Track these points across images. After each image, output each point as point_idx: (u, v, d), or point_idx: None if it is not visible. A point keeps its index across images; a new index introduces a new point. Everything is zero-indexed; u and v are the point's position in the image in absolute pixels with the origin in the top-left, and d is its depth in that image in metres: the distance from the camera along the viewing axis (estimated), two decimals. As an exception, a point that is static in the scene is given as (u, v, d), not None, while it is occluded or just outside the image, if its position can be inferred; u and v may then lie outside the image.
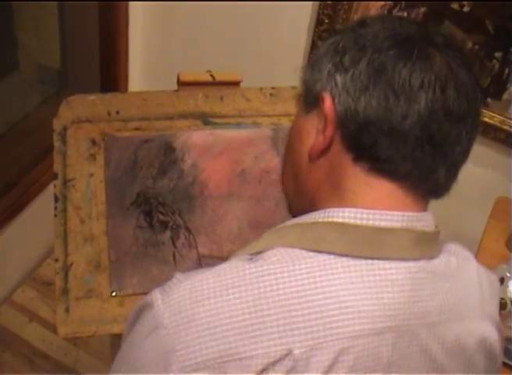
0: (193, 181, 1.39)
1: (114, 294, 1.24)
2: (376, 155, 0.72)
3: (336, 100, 0.73)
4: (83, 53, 2.30)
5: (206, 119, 1.47)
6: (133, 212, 1.33)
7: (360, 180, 0.74)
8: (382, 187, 0.74)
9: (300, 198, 0.85)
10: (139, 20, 2.14)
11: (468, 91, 0.72)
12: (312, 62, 0.80)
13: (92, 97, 1.45)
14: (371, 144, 0.72)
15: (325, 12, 1.85)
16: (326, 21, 1.86)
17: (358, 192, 0.74)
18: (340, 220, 0.72)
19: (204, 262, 1.32)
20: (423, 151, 0.71)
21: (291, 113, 1.52)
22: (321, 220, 0.74)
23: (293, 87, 1.56)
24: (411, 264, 0.72)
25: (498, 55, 1.74)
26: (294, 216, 0.84)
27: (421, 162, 0.72)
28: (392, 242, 0.71)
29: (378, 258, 0.71)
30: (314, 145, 0.77)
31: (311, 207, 0.79)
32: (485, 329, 0.80)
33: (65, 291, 1.22)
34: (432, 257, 0.75)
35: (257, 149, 1.46)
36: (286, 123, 1.52)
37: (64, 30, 2.24)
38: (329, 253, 0.71)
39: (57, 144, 1.36)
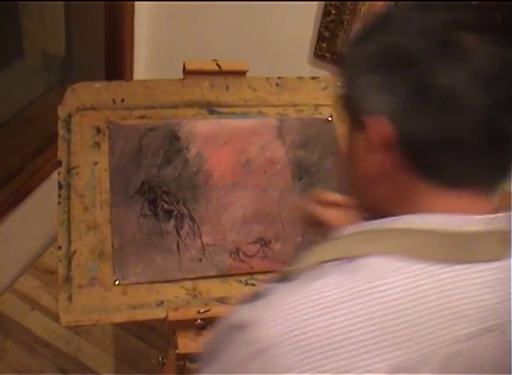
0: (198, 170, 1.39)
1: (117, 282, 1.24)
2: (441, 172, 0.71)
3: (388, 122, 0.70)
4: (88, 41, 2.29)
5: (211, 109, 1.47)
6: (138, 200, 1.33)
7: (431, 194, 0.72)
8: (455, 196, 0.72)
9: (370, 210, 0.81)
10: (145, 8, 2.13)
11: None
12: (349, 73, 0.76)
13: (97, 84, 1.45)
14: (433, 164, 0.70)
15: (332, 2, 1.84)
16: (333, 12, 1.85)
17: (433, 203, 0.72)
18: (435, 227, 0.71)
19: (208, 251, 1.31)
20: (488, 155, 0.69)
21: (297, 103, 1.52)
22: (416, 227, 0.71)
23: (299, 78, 1.56)
24: (498, 264, 0.72)
25: (506, 48, 1.73)
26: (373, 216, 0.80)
27: (489, 166, 0.70)
28: (483, 245, 0.71)
29: (472, 262, 0.70)
30: (373, 166, 0.74)
31: (388, 213, 0.75)
32: None
33: (68, 279, 1.22)
34: (509, 255, 0.74)
35: (262, 139, 1.46)
36: (291, 113, 1.51)
37: (69, 18, 2.23)
38: (427, 260, 0.69)
39: (61, 131, 1.36)
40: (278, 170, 1.43)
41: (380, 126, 0.70)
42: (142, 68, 2.29)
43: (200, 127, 1.43)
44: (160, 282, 1.26)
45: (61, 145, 1.34)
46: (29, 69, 2.34)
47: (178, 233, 1.32)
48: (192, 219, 1.34)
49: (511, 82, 0.67)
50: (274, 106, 1.51)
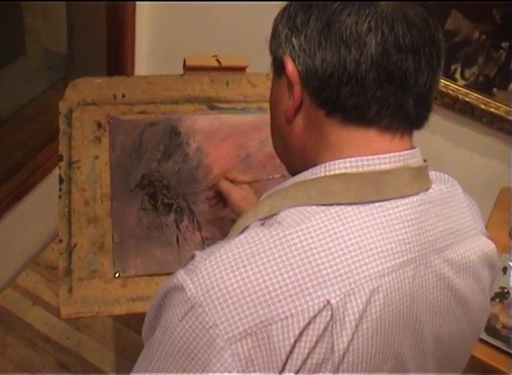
0: (198, 165, 1.40)
1: (117, 275, 1.25)
2: (343, 105, 0.75)
3: (296, 61, 0.76)
4: (89, 38, 2.30)
5: (211, 104, 1.47)
6: (138, 194, 1.34)
7: (339, 133, 0.77)
8: (363, 135, 0.76)
9: (291, 159, 0.87)
10: (146, 5, 2.13)
11: (418, 23, 0.74)
12: (272, 29, 0.83)
13: (98, 80, 1.45)
14: (335, 96, 0.75)
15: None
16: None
17: (343, 144, 0.77)
18: (343, 171, 0.75)
19: (208, 245, 1.31)
20: (384, 90, 0.74)
21: None
22: (323, 175, 0.76)
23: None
24: (413, 199, 0.76)
25: (505, 45, 1.73)
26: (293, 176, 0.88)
27: (385, 101, 0.74)
28: (394, 182, 0.75)
29: (384, 200, 0.75)
30: (287, 107, 0.80)
31: (304, 163, 0.81)
32: (483, 243, 0.86)
33: (69, 272, 1.23)
34: (427, 188, 0.80)
35: (262, 134, 1.47)
36: None
37: (71, 15, 2.23)
38: (339, 204, 0.74)
39: (62, 126, 1.37)
40: (278, 165, 1.41)
41: (288, 65, 0.76)
42: (143, 64, 2.30)
43: (200, 122, 1.43)
44: (159, 275, 1.27)
45: (62, 140, 1.35)
46: (31, 67, 2.35)
47: (177, 226, 1.33)
48: (191, 212, 1.35)
49: (409, 31, 0.73)
50: (274, 102, 1.51)
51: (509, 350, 1.44)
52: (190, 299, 0.68)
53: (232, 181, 1.25)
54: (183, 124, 1.42)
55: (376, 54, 0.72)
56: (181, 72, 1.49)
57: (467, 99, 1.83)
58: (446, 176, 0.88)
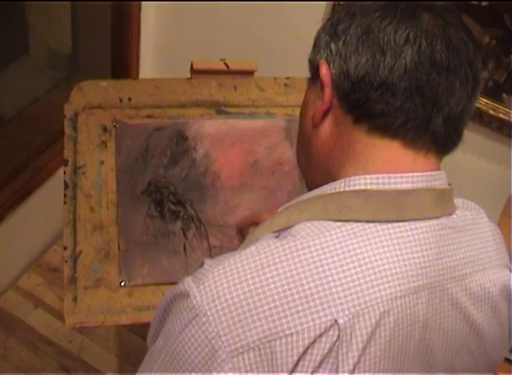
0: (205, 171, 1.37)
1: (123, 284, 1.22)
2: (370, 111, 0.74)
3: (331, 65, 0.76)
4: (94, 38, 2.27)
5: (219, 108, 1.44)
6: (144, 201, 1.31)
7: (365, 142, 0.76)
8: (388, 147, 0.75)
9: (313, 168, 0.85)
10: (151, 5, 2.10)
11: (458, 44, 0.74)
12: (314, 40, 0.83)
13: (104, 83, 1.42)
14: (364, 100, 0.74)
15: (341, 2, 1.82)
16: (341, 11, 1.82)
17: (368, 155, 0.75)
18: (362, 187, 0.73)
19: (215, 253, 1.29)
20: (413, 101, 0.72)
21: None
22: (342, 190, 0.75)
23: (308, 78, 1.53)
24: (434, 222, 0.74)
25: (515, 50, 1.70)
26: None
27: (412, 112, 0.73)
28: (415, 203, 0.73)
29: (403, 220, 0.72)
30: (316, 110, 0.79)
31: (326, 176, 0.80)
32: (504, 276, 0.83)
33: (74, 280, 1.20)
34: (450, 213, 0.77)
35: (270, 140, 1.44)
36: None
37: (75, 15, 2.21)
38: (356, 221, 0.72)
39: (68, 130, 1.34)
40: (286, 172, 1.41)
41: (323, 68, 0.76)
42: (148, 66, 2.27)
43: (207, 127, 1.40)
44: (166, 284, 1.24)
45: (67, 144, 1.32)
46: (35, 66, 2.32)
47: (185, 234, 1.30)
48: (199, 220, 1.32)
49: (447, 50, 0.73)
50: (282, 107, 1.48)
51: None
52: (195, 307, 0.67)
53: None
54: (190, 129, 1.39)
55: (410, 63, 0.72)
56: (187, 75, 1.47)
57: (476, 105, 1.80)
58: (473, 204, 0.86)
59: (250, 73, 1.49)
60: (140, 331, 1.97)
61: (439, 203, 0.75)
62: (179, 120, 1.40)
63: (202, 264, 0.72)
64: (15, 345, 1.91)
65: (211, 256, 1.29)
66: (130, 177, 1.32)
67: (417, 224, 0.73)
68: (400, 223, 0.72)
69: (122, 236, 1.26)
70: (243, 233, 1.25)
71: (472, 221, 0.81)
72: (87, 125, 1.35)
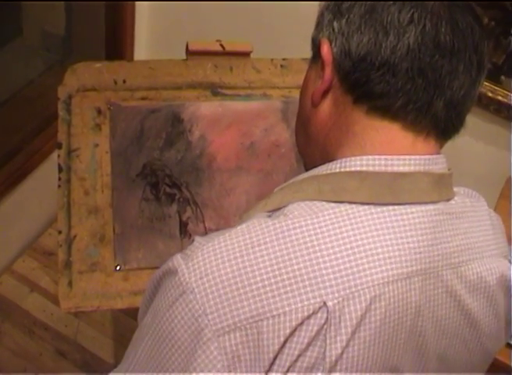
0: (201, 153, 1.35)
1: (118, 268, 1.21)
2: (370, 91, 0.72)
3: (333, 44, 0.75)
4: (88, 20, 2.24)
5: (215, 90, 1.42)
6: (139, 184, 1.29)
7: (364, 123, 0.74)
8: (387, 129, 0.73)
9: (311, 149, 0.84)
10: (146, -13, 2.08)
11: (464, 27, 0.72)
12: (317, 18, 0.81)
13: (98, 65, 1.40)
14: (364, 80, 0.73)
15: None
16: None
17: (366, 137, 0.74)
18: (358, 169, 0.72)
19: (211, 237, 1.28)
20: (414, 83, 0.71)
21: None
22: (338, 170, 0.73)
23: (305, 59, 1.50)
24: (431, 207, 0.73)
25: (514, 31, 1.68)
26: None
27: (413, 94, 0.71)
28: (412, 187, 0.72)
29: (399, 204, 0.71)
30: (316, 89, 0.78)
31: (324, 156, 0.79)
32: (503, 266, 0.81)
33: (68, 264, 1.19)
34: (448, 199, 0.76)
35: (266, 122, 1.42)
36: (296, 95, 1.44)
37: (69, -4, 2.19)
38: (350, 202, 0.70)
39: (62, 112, 1.31)
40: (282, 154, 1.39)
41: (324, 46, 0.75)
42: (143, 47, 2.24)
43: (203, 109, 1.38)
44: None
45: (61, 127, 1.30)
46: (28, 48, 2.29)
47: (180, 217, 1.29)
48: (195, 203, 1.30)
49: (452, 32, 0.71)
50: (279, 88, 1.46)
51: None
52: (183, 284, 0.66)
53: None
54: (185, 111, 1.37)
55: (413, 44, 0.70)
56: (182, 56, 1.44)
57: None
58: (474, 192, 0.84)
59: (246, 54, 1.47)
60: (136, 315, 1.95)
61: (437, 188, 0.73)
62: (175, 102, 1.38)
63: (192, 240, 0.71)
64: (10, 330, 1.90)
65: (207, 240, 1.27)
66: (125, 160, 1.30)
67: (413, 208, 0.71)
68: (396, 207, 0.71)
69: (117, 219, 1.24)
70: None
71: (471, 208, 0.79)
72: (81, 107, 1.33)
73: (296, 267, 0.65)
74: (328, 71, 0.75)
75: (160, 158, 1.32)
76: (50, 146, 1.99)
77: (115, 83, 1.38)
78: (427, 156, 0.73)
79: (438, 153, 0.76)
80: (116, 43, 2.14)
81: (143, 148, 1.32)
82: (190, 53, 1.43)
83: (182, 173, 1.32)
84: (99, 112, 1.33)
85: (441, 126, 0.74)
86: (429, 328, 0.73)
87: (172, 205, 1.29)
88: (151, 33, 2.22)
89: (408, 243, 0.70)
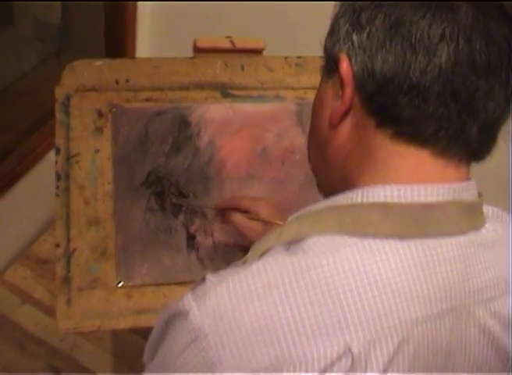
0: (210, 160, 1.36)
1: (121, 284, 1.21)
2: (397, 116, 0.71)
3: (353, 60, 0.73)
4: (86, 8, 2.24)
5: (225, 91, 1.42)
6: (144, 193, 1.30)
7: (388, 148, 0.73)
8: (414, 156, 0.72)
9: (328, 172, 0.83)
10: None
11: (499, 42, 0.70)
12: (331, 24, 0.79)
13: (99, 62, 1.40)
14: (390, 105, 0.71)
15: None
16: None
17: (390, 164, 0.73)
18: (382, 200, 0.71)
19: (220, 251, 1.28)
20: (447, 108, 0.69)
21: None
22: (359, 201, 0.72)
23: (322, 57, 1.51)
24: (461, 239, 0.71)
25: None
26: (325, 195, 0.84)
27: (446, 120, 0.70)
28: (440, 218, 0.70)
29: (427, 237, 0.70)
30: (334, 110, 0.76)
31: (342, 182, 0.78)
32: None
33: (67, 281, 1.19)
34: (479, 228, 0.75)
35: (280, 126, 1.42)
36: (312, 97, 1.45)
37: (65, -17, 2.18)
38: (374, 236, 0.69)
39: (59, 115, 1.32)
40: (297, 161, 1.40)
41: (343, 63, 0.73)
42: (146, 44, 2.24)
43: (212, 112, 1.39)
44: (168, 284, 1.24)
45: (59, 131, 1.30)
46: (21, 39, 2.29)
47: (188, 230, 1.29)
48: (203, 214, 1.31)
49: (487, 49, 0.69)
50: (293, 89, 1.46)
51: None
52: (195, 329, 0.65)
53: (244, 212, 1.21)
54: (193, 114, 1.38)
55: (446, 65, 0.68)
56: (189, 54, 1.44)
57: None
58: (504, 213, 0.83)
59: (258, 51, 1.47)
60: (140, 331, 1.95)
61: (467, 217, 0.72)
62: (182, 104, 1.39)
63: (204, 279, 0.70)
64: (0, 344, 1.90)
65: (216, 254, 1.28)
66: (128, 167, 1.30)
67: (442, 241, 0.70)
68: (423, 240, 0.69)
69: (119, 232, 1.25)
70: (224, 216, 1.24)
71: (502, 235, 0.78)
72: (80, 109, 1.33)
73: (318, 311, 0.65)
74: (349, 91, 0.73)
75: (166, 165, 1.33)
76: (45, 146, 2.00)
77: (117, 82, 1.38)
78: (457, 184, 0.72)
79: (468, 178, 0.75)
80: (117, 35, 2.14)
81: (147, 154, 1.32)
82: (198, 50, 1.43)
83: (189, 181, 1.33)
84: (100, 114, 1.34)
85: (474, 150, 0.73)
86: (462, 367, 0.72)
87: (178, 216, 1.30)
88: (154, 28, 2.22)
89: (438, 280, 0.69)
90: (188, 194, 1.31)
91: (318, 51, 1.49)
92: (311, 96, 1.45)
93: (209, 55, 1.44)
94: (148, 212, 1.28)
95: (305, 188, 1.37)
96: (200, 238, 1.29)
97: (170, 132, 1.35)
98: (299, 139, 1.41)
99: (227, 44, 1.44)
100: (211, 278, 0.69)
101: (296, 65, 1.49)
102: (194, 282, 1.21)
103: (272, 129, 1.41)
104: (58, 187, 1.25)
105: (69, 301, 1.18)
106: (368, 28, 0.72)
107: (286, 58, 1.49)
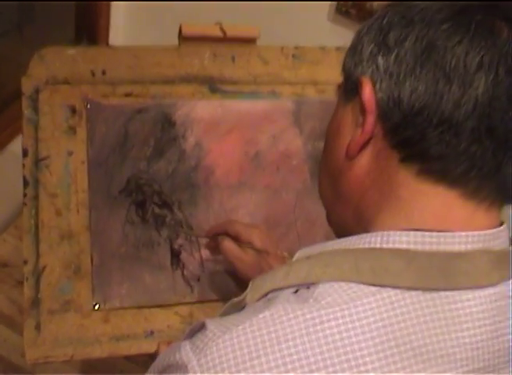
0: (197, 165, 1.34)
1: (97, 307, 1.20)
2: (425, 152, 0.69)
3: (377, 86, 0.71)
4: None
5: (214, 86, 1.41)
6: (123, 202, 1.28)
7: (412, 187, 0.72)
8: (441, 197, 0.71)
9: (341, 207, 0.82)
10: None
11: None
12: (353, 42, 0.78)
13: (72, 51, 1.37)
14: (418, 139, 0.69)
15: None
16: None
17: (414, 204, 0.72)
18: (404, 246, 0.69)
19: (208, 268, 1.27)
20: (481, 145, 0.68)
21: (318, 81, 1.47)
22: (379, 246, 0.71)
23: (322, 48, 1.50)
24: (490, 291, 0.70)
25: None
26: (336, 231, 0.85)
27: (479, 159, 0.68)
28: (469, 268, 0.69)
29: (453, 289, 0.69)
30: (353, 140, 0.75)
31: (357, 219, 0.77)
32: None
33: (36, 303, 1.18)
34: (509, 278, 0.73)
35: (275, 126, 1.41)
36: (311, 93, 1.46)
37: None
38: (394, 287, 0.68)
39: (27, 111, 1.29)
40: (294, 167, 1.39)
41: (366, 88, 0.72)
42: (120, 20, 2.20)
43: (199, 110, 1.37)
44: (149, 307, 1.23)
45: (26, 130, 1.28)
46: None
47: (172, 244, 1.28)
48: (189, 227, 1.30)
49: None
50: (290, 84, 1.45)
51: None
52: None
53: (235, 239, 1.19)
54: (178, 112, 1.36)
55: (483, 98, 0.66)
56: (175, 42, 1.42)
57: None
58: None
59: (251, 41, 1.45)
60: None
61: (497, 267, 0.71)
62: (165, 101, 1.37)
63: (203, 327, 0.69)
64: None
65: (202, 272, 1.27)
66: (105, 173, 1.29)
67: (470, 294, 0.69)
68: (449, 293, 0.68)
69: (95, 247, 1.24)
70: (216, 242, 1.23)
71: None
72: (50, 105, 1.31)
73: (331, 369, 0.64)
74: (371, 121, 0.72)
75: (147, 170, 1.31)
76: (6, 135, 1.95)
77: (93, 74, 1.36)
78: (488, 231, 0.71)
79: (499, 224, 0.74)
80: (88, 10, 2.10)
81: (127, 158, 1.31)
82: (184, 39, 1.41)
83: (173, 189, 1.31)
84: (73, 111, 1.31)
85: (508, 193, 0.72)
86: None
87: (161, 229, 1.29)
88: (132, 11, 2.19)
89: (464, 337, 0.68)
90: (172, 204, 1.29)
91: (318, 41, 1.48)
92: (310, 92, 1.45)
93: (196, 44, 1.42)
94: (128, 225, 1.27)
95: (303, 198, 1.37)
96: (185, 254, 1.28)
97: (152, 133, 1.34)
98: (296, 142, 1.40)
99: (217, 32, 1.42)
100: (211, 327, 0.68)
101: (294, 56, 1.47)
102: (179, 304, 1.22)
103: (267, 130, 1.40)
104: (25, 195, 1.23)
105: (38, 326, 1.16)
106: (396, 50, 0.70)
107: (282, 48, 1.47)
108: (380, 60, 0.72)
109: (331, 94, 1.45)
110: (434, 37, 0.68)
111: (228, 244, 1.18)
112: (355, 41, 0.77)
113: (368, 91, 0.72)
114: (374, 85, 0.72)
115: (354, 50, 0.76)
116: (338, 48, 1.51)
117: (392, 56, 0.70)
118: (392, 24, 0.72)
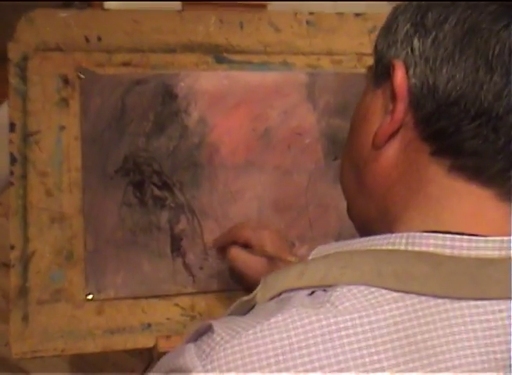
0: (200, 143, 1.33)
1: (90, 297, 1.21)
2: (459, 146, 0.69)
3: (411, 71, 0.71)
4: None
5: (220, 55, 1.40)
6: (119, 182, 1.28)
7: (443, 183, 0.71)
8: (475, 196, 0.70)
9: (364, 200, 0.81)
10: None
11: None
12: (388, 21, 0.77)
13: (64, 14, 1.36)
14: (452, 131, 0.69)
15: None
16: None
17: (444, 202, 0.71)
18: (431, 250, 0.69)
19: (212, 255, 1.27)
20: None
21: (334, 51, 1.46)
22: (403, 248, 0.70)
23: (339, 14, 1.48)
24: None
25: None
26: (357, 225, 0.84)
27: None
28: (502, 277, 0.68)
29: (483, 299, 0.67)
30: (381, 127, 0.74)
31: (382, 215, 0.76)
32: None
33: (24, 292, 1.17)
34: None
35: (286, 101, 1.40)
36: (326, 64, 1.45)
37: None
38: (419, 294, 0.67)
39: (14, 80, 1.28)
40: (306, 145, 1.38)
41: (398, 72, 0.71)
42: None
43: (204, 82, 1.36)
44: (147, 297, 1.23)
45: (14, 101, 1.27)
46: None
47: (172, 229, 1.28)
48: (191, 210, 1.30)
49: None
50: (304, 54, 1.44)
51: None
52: None
53: (245, 246, 1.18)
54: (180, 83, 1.35)
55: None
56: (177, 5, 1.42)
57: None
58: None
59: (261, 6, 1.45)
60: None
61: None
62: (166, 71, 1.36)
63: (210, 328, 0.68)
64: None
65: (205, 259, 1.27)
66: (101, 150, 1.28)
67: (502, 305, 0.67)
68: (479, 302, 0.67)
69: (89, 231, 1.24)
70: (224, 253, 1.21)
71: None
72: (40, 74, 1.30)
73: None
74: (401, 108, 0.71)
75: (146, 148, 1.30)
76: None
77: (87, 40, 1.34)
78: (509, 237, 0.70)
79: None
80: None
81: (124, 134, 1.30)
82: (187, 2, 1.40)
83: (175, 169, 1.31)
84: (66, 81, 1.30)
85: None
86: None
87: (161, 212, 1.28)
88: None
89: (495, 352, 0.66)
90: (173, 185, 1.28)
91: (335, 7, 1.46)
92: (325, 64, 1.44)
93: (201, 8, 1.41)
94: (124, 207, 1.27)
95: (315, 179, 1.36)
96: (187, 240, 1.28)
97: (152, 106, 1.33)
98: (309, 118, 1.39)
99: (224, -5, 1.41)
100: (219, 330, 0.68)
101: (308, 23, 1.46)
102: (179, 294, 1.21)
103: (277, 105, 1.39)
104: (12, 173, 1.23)
105: (25, 317, 1.16)
106: (434, 33, 0.69)
107: (295, 14, 1.46)
108: (416, 43, 0.71)
109: (348, 66, 1.45)
110: (478, 20, 0.67)
111: (236, 252, 1.17)
112: (390, 20, 0.76)
113: (400, 76, 0.71)
114: (407, 70, 0.71)
115: (388, 30, 0.75)
116: (357, 15, 1.49)
117: (430, 39, 0.69)
118: (432, 3, 0.71)
